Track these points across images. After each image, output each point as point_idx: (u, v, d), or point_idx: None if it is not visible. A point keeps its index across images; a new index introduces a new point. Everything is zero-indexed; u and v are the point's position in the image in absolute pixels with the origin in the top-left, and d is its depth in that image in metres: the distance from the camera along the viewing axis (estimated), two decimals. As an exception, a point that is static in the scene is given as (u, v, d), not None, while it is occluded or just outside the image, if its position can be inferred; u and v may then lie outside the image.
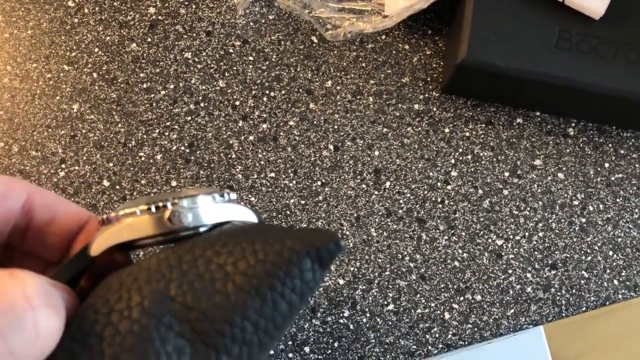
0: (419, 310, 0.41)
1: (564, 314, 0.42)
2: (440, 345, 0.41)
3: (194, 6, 0.46)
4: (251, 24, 0.46)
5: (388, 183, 0.43)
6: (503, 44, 0.41)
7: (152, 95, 0.44)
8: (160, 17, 0.46)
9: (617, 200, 0.44)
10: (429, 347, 0.40)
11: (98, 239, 0.21)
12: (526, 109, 0.46)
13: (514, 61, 0.41)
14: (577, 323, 1.16)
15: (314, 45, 0.46)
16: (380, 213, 0.43)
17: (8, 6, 0.46)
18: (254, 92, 0.45)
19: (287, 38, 0.46)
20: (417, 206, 0.43)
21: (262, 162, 0.43)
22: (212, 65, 0.45)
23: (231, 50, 0.45)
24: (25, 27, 0.45)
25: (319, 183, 0.43)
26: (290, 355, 0.40)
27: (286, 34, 0.46)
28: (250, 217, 0.22)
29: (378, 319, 0.41)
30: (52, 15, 0.46)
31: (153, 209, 0.20)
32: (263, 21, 0.46)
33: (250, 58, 0.45)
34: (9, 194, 0.23)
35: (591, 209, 0.44)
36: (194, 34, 0.46)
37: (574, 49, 0.41)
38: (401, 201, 0.43)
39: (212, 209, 0.21)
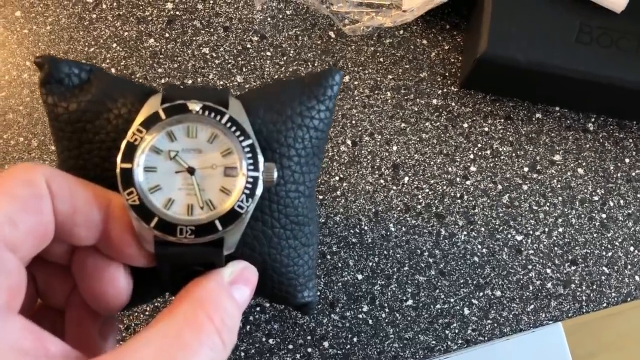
0: (438, 306, 0.41)
1: (584, 310, 0.41)
2: (460, 341, 0.40)
3: (211, 1, 0.46)
4: (269, 19, 0.46)
5: (406, 178, 0.43)
6: (523, 38, 0.41)
7: (170, 91, 0.44)
8: (177, 13, 0.46)
9: (638, 195, 0.43)
10: (449, 343, 0.40)
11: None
12: (545, 103, 0.45)
13: (534, 55, 0.40)
14: (590, 323, 1.15)
15: (332, 40, 0.46)
16: (398, 208, 0.43)
17: (27, 2, 0.46)
18: (271, 87, 0.45)
19: (304, 33, 0.46)
20: (436, 201, 0.43)
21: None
22: (229, 61, 0.45)
23: (249, 46, 0.45)
24: (44, 23, 0.46)
25: (337, 178, 0.43)
26: (310, 349, 0.40)
27: (304, 29, 0.46)
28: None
29: (397, 314, 0.41)
30: (71, 11, 0.46)
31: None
32: (280, 16, 0.46)
33: (268, 53, 0.45)
34: (40, 205, 0.22)
35: (611, 204, 0.43)
36: (212, 29, 0.46)
37: (594, 42, 0.41)
38: (420, 196, 0.43)
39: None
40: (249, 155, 0.24)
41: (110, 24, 0.46)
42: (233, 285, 0.24)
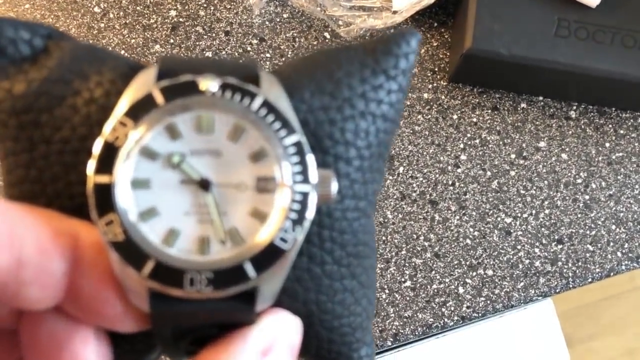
0: (434, 286, 0.44)
1: (571, 286, 0.44)
2: (456, 318, 0.43)
3: (212, 8, 0.49)
4: (267, 22, 0.49)
5: (401, 168, 0.46)
6: (506, 33, 0.44)
7: (177, 93, 0.47)
8: (181, 20, 0.49)
9: (618, 177, 0.46)
10: (445, 320, 0.43)
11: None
12: (529, 94, 0.48)
13: (516, 49, 0.43)
14: (588, 306, 1.18)
15: (327, 40, 0.49)
16: (395, 196, 0.45)
17: (38, 14, 0.49)
18: (272, 87, 0.48)
19: (301, 35, 0.49)
20: (430, 189, 0.46)
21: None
22: (231, 63, 0.48)
23: (249, 48, 0.48)
24: (55, 33, 0.48)
25: (336, 170, 0.46)
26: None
27: (300, 31, 0.49)
28: None
29: (396, 295, 0.43)
30: (80, 21, 0.49)
31: None
32: (278, 20, 0.49)
33: (267, 55, 0.48)
34: None
35: (594, 186, 0.46)
36: (214, 34, 0.49)
37: (572, 36, 0.44)
38: (414, 185, 0.46)
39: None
40: (295, 159, 0.16)
41: (117, 32, 0.49)
42: (266, 357, 0.17)
